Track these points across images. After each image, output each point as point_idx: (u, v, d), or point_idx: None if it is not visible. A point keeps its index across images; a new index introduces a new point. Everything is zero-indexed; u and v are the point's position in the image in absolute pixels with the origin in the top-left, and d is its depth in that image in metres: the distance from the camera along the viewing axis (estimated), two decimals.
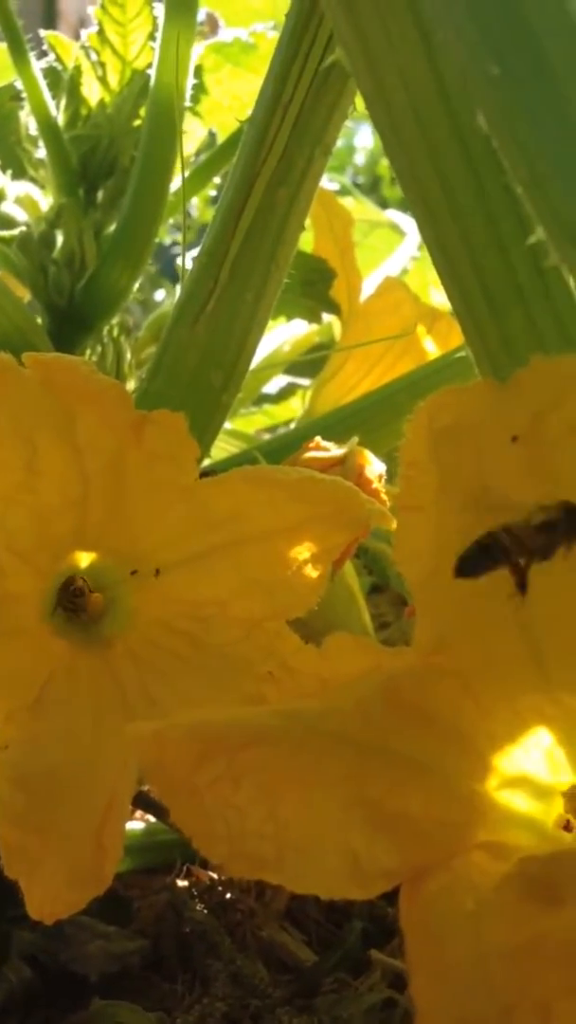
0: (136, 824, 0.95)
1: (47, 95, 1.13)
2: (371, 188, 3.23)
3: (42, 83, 1.13)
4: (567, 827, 0.56)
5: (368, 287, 1.42)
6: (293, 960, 0.85)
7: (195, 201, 1.84)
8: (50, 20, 4.08)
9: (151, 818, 0.95)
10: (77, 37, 1.19)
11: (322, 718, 0.51)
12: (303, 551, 0.69)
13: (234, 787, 0.49)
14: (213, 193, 1.51)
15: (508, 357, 0.55)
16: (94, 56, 1.15)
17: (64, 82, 1.17)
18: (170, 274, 2.35)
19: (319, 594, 0.70)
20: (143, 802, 0.89)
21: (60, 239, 1.09)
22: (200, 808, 0.48)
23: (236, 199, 0.76)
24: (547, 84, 0.44)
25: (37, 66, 1.12)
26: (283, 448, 0.96)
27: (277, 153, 0.74)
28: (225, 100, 1.24)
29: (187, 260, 0.85)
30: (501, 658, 0.52)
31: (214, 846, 0.48)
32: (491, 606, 0.51)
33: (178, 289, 0.89)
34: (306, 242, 1.31)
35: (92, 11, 1.15)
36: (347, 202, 1.66)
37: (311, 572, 0.69)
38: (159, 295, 2.77)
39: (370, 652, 0.55)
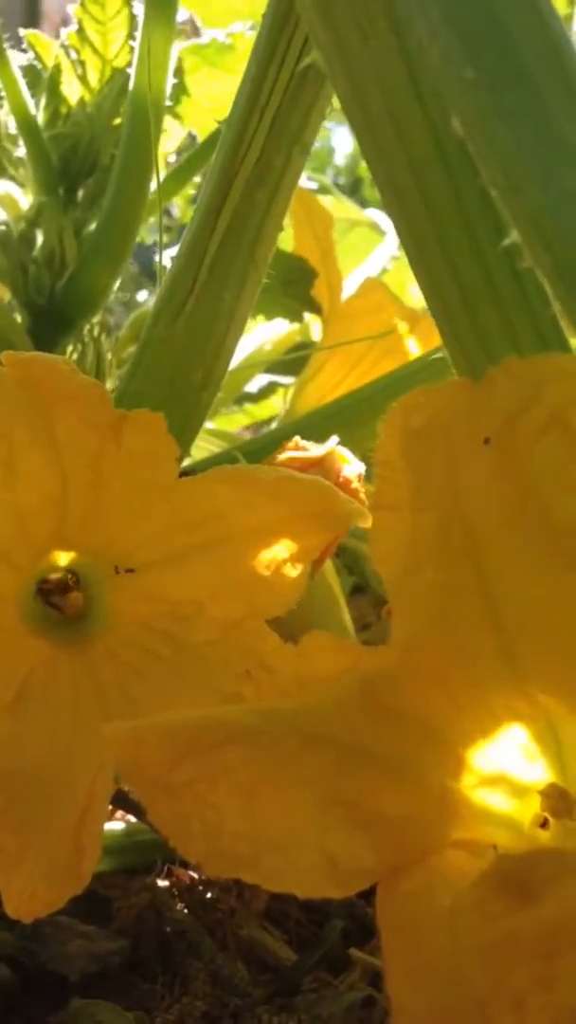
0: (116, 824, 0.95)
1: (27, 94, 1.13)
2: (352, 189, 3.24)
3: (21, 82, 1.12)
4: (544, 825, 0.56)
5: (349, 286, 1.42)
6: (273, 959, 0.86)
7: (176, 201, 1.84)
8: (33, 20, 4.07)
9: (132, 818, 0.95)
10: (59, 36, 1.19)
11: (299, 717, 0.51)
12: (282, 551, 0.69)
13: (211, 786, 0.49)
14: (194, 192, 1.51)
15: (484, 357, 0.55)
16: (74, 55, 1.15)
17: (44, 81, 1.17)
18: (149, 273, 2.34)
19: (298, 594, 0.70)
20: (123, 802, 0.89)
21: (40, 238, 1.09)
22: (177, 807, 0.48)
23: (214, 199, 0.77)
24: (521, 88, 0.44)
25: (17, 64, 1.12)
26: (264, 448, 0.96)
27: (255, 153, 0.74)
28: (205, 101, 1.24)
29: (165, 259, 0.86)
30: (476, 657, 0.53)
31: (191, 845, 0.48)
32: (464, 604, 0.51)
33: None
34: (286, 241, 1.32)
35: (72, 10, 1.15)
36: (326, 201, 1.67)
37: (290, 572, 0.70)
38: (141, 295, 2.77)
39: (347, 651, 0.56)
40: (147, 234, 1.56)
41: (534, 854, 0.49)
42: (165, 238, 0.93)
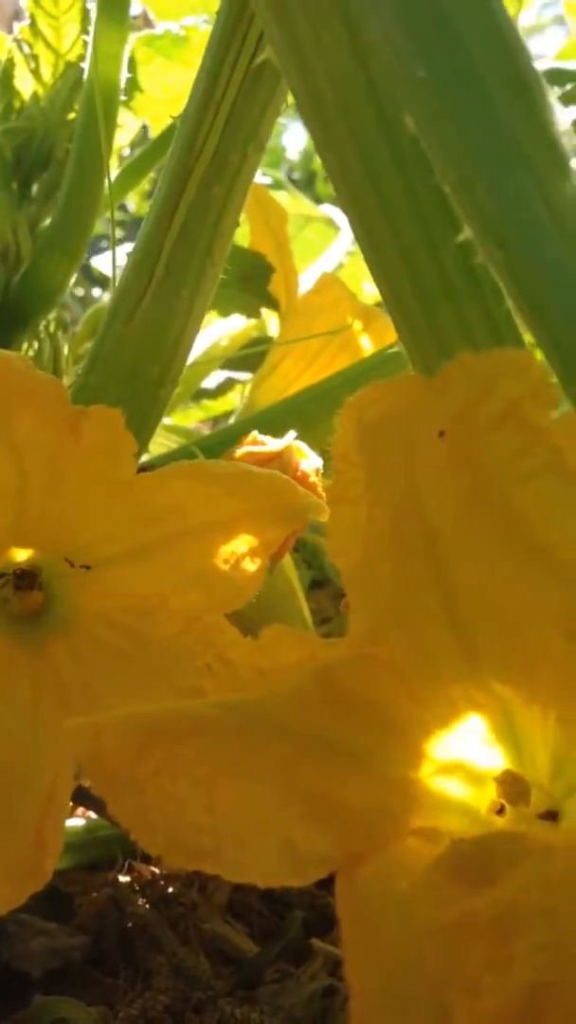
0: (77, 821, 0.95)
1: None
2: (306, 184, 3.24)
3: None
4: (500, 812, 0.57)
5: (305, 282, 1.42)
6: (235, 952, 0.86)
7: (131, 197, 1.83)
8: None
9: (92, 815, 0.95)
10: (11, 30, 1.18)
11: (258, 709, 0.52)
12: (241, 544, 0.70)
13: (172, 779, 0.49)
14: (149, 187, 1.50)
15: (438, 352, 0.56)
16: (27, 49, 1.14)
17: None
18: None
19: (257, 587, 0.71)
20: (84, 798, 0.89)
21: None
22: (138, 800, 0.48)
23: (170, 195, 0.77)
24: (472, 87, 0.45)
25: None
26: (222, 443, 0.96)
27: (210, 150, 0.74)
28: (158, 93, 1.24)
29: (117, 255, 0.85)
30: (432, 647, 0.54)
31: (152, 838, 0.49)
32: (420, 596, 0.52)
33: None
34: (242, 237, 1.32)
35: (24, 4, 1.14)
36: (281, 197, 1.67)
37: (249, 565, 0.70)
38: (96, 291, 2.75)
39: (306, 644, 0.56)
40: (103, 228, 1.56)
41: (489, 838, 0.50)
42: (121, 233, 0.93)
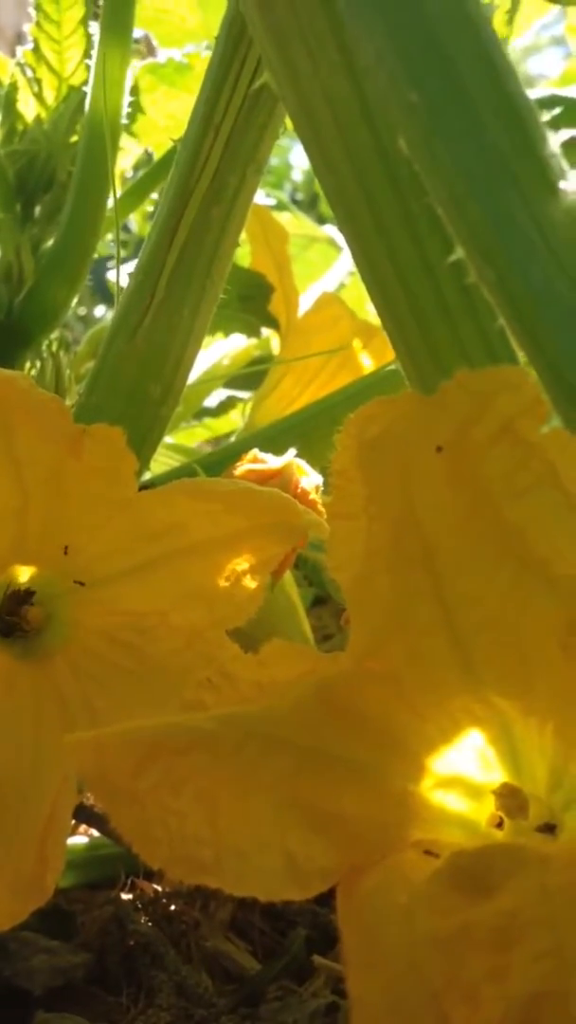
0: (80, 839, 0.95)
1: None
2: (310, 205, 3.27)
3: None
4: (499, 825, 0.57)
5: (306, 302, 1.44)
6: (238, 969, 0.86)
7: (133, 217, 1.85)
8: None
9: (95, 832, 0.95)
10: (14, 53, 1.20)
11: (259, 722, 0.52)
12: (242, 562, 0.70)
13: (173, 792, 0.50)
14: (151, 209, 1.52)
15: (435, 369, 0.57)
16: (30, 72, 1.16)
17: (0, 98, 1.18)
18: (105, 289, 2.34)
19: (258, 604, 0.71)
20: (86, 816, 0.89)
21: None
22: (140, 814, 0.49)
23: (170, 217, 0.78)
24: (463, 111, 0.46)
25: None
26: (223, 461, 0.97)
27: (210, 172, 0.75)
28: (161, 120, 1.26)
29: (122, 276, 0.86)
30: (431, 661, 0.54)
31: (154, 851, 0.49)
32: (419, 610, 0.53)
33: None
34: (244, 257, 1.33)
35: (28, 28, 1.16)
36: (284, 217, 1.69)
37: (250, 583, 0.70)
38: (99, 310, 2.77)
39: (307, 658, 0.57)
40: (105, 249, 1.57)
41: (487, 850, 0.50)
42: (123, 253, 0.94)
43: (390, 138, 0.52)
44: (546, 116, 0.49)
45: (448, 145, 0.45)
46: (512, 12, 0.92)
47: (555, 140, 0.47)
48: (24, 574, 0.74)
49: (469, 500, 0.51)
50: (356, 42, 0.48)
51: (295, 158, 3.32)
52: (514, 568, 0.52)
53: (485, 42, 0.47)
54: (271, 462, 0.85)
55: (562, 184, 0.45)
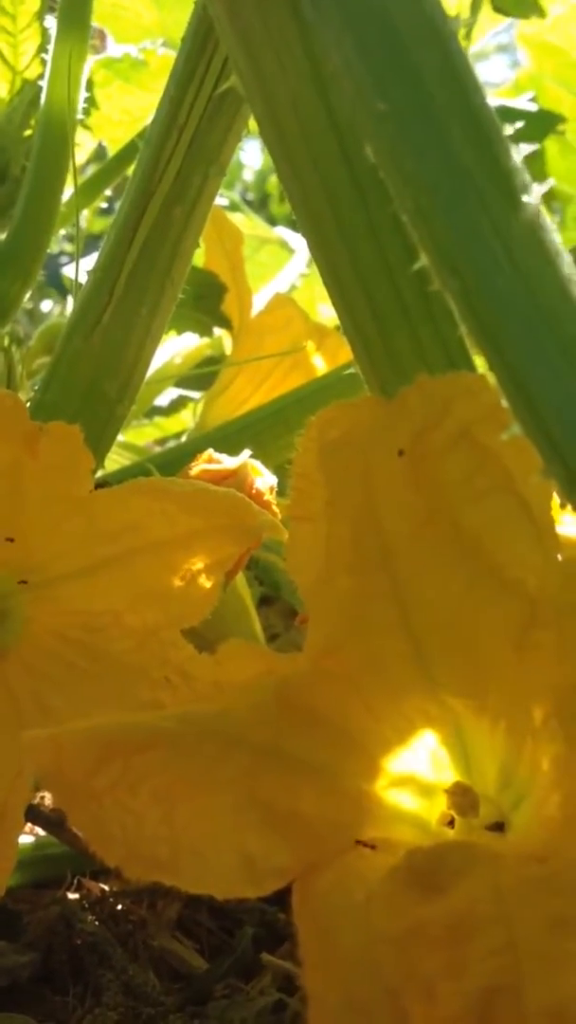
0: (26, 838, 0.95)
1: None
2: (260, 205, 3.27)
3: None
4: (450, 823, 0.59)
5: (258, 302, 1.44)
6: (185, 968, 0.86)
7: (85, 212, 1.83)
8: None
9: (40, 831, 0.94)
10: None
11: (216, 720, 0.53)
12: (196, 562, 0.70)
13: (131, 791, 0.50)
14: (104, 205, 1.51)
15: (395, 375, 0.58)
16: None
17: None
18: (56, 283, 2.33)
19: (212, 604, 0.71)
20: (33, 816, 0.88)
21: None
22: (97, 812, 0.49)
23: (132, 215, 0.77)
24: (430, 121, 0.46)
25: None
26: (176, 460, 0.97)
27: (172, 172, 0.75)
28: (115, 114, 1.25)
29: (80, 272, 0.86)
30: (387, 661, 0.55)
31: (111, 849, 0.49)
32: (376, 611, 0.54)
33: (69, 300, 0.89)
34: (197, 257, 1.33)
35: None
36: (237, 218, 1.69)
37: (204, 582, 0.71)
38: (46, 305, 2.74)
39: (263, 658, 0.57)
40: (53, 244, 1.56)
41: (440, 848, 0.51)
42: (70, 247, 0.93)
43: (355, 145, 0.53)
44: (508, 129, 0.50)
45: (414, 156, 0.45)
46: (471, 25, 0.94)
47: (517, 153, 0.48)
48: None
49: (428, 503, 0.52)
50: (324, 50, 0.49)
51: (246, 157, 3.32)
52: (471, 570, 0.53)
53: (451, 54, 0.47)
54: (226, 462, 0.85)
55: (524, 197, 0.46)
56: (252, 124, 0.77)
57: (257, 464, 0.86)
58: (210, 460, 0.86)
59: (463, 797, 0.57)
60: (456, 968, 0.44)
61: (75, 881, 0.90)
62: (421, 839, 0.57)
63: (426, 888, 0.47)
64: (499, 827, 0.57)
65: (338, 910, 0.48)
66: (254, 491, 0.84)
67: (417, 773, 0.59)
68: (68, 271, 1.50)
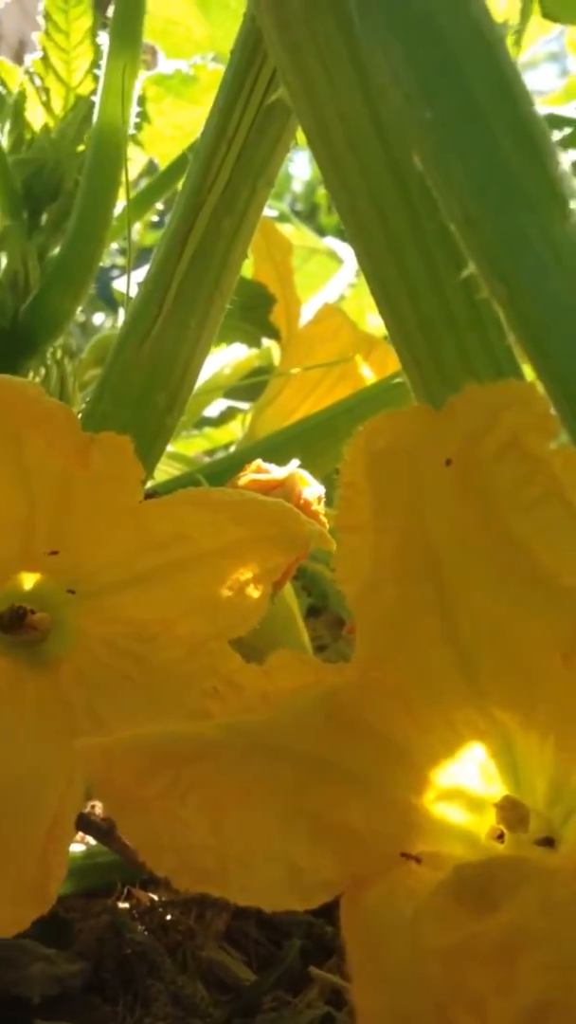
0: (77, 847, 0.95)
1: None
2: (309, 216, 3.28)
3: None
4: (500, 838, 0.58)
5: (307, 313, 1.45)
6: (233, 980, 0.86)
7: (136, 225, 1.86)
8: None
9: (91, 840, 0.95)
10: (18, 60, 1.21)
11: (264, 732, 0.53)
12: (245, 572, 0.70)
13: (180, 800, 0.50)
14: (155, 218, 1.53)
15: (442, 384, 0.57)
16: (38, 81, 1.17)
17: (8, 107, 1.18)
18: (105, 297, 2.36)
19: (260, 614, 0.71)
20: (84, 824, 0.89)
21: (4, 261, 1.10)
22: (147, 821, 0.49)
23: (181, 227, 0.78)
24: (476, 128, 0.46)
25: None
26: (225, 471, 0.97)
27: (221, 184, 0.76)
28: (167, 130, 1.26)
29: (131, 285, 0.87)
30: (436, 673, 0.54)
31: (161, 859, 0.49)
32: (424, 622, 0.53)
33: (120, 313, 0.90)
34: (246, 268, 1.34)
35: (35, 36, 1.17)
36: (286, 229, 1.69)
37: (252, 592, 0.71)
38: (98, 318, 2.77)
39: (311, 668, 0.57)
40: (105, 258, 1.58)
41: (491, 863, 0.50)
42: (122, 260, 0.94)
43: (403, 154, 0.52)
44: (556, 135, 0.49)
45: (462, 163, 0.45)
46: (520, 32, 0.93)
47: (566, 159, 0.47)
48: (29, 581, 0.74)
49: (476, 513, 0.52)
50: (371, 60, 0.49)
51: (295, 168, 3.34)
52: (520, 581, 0.52)
53: (499, 62, 0.47)
54: (274, 472, 0.85)
55: (573, 203, 0.46)
56: (300, 136, 0.77)
57: (305, 474, 0.86)
58: (258, 470, 0.86)
59: (513, 811, 0.56)
60: (507, 984, 0.43)
61: (125, 890, 0.90)
62: (470, 854, 0.56)
63: (476, 903, 0.47)
64: (549, 842, 0.57)
65: (387, 925, 0.48)
66: (302, 501, 0.84)
67: (466, 786, 0.58)
68: (119, 284, 1.52)
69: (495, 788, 0.59)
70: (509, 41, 0.93)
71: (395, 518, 0.52)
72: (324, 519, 0.85)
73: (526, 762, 0.58)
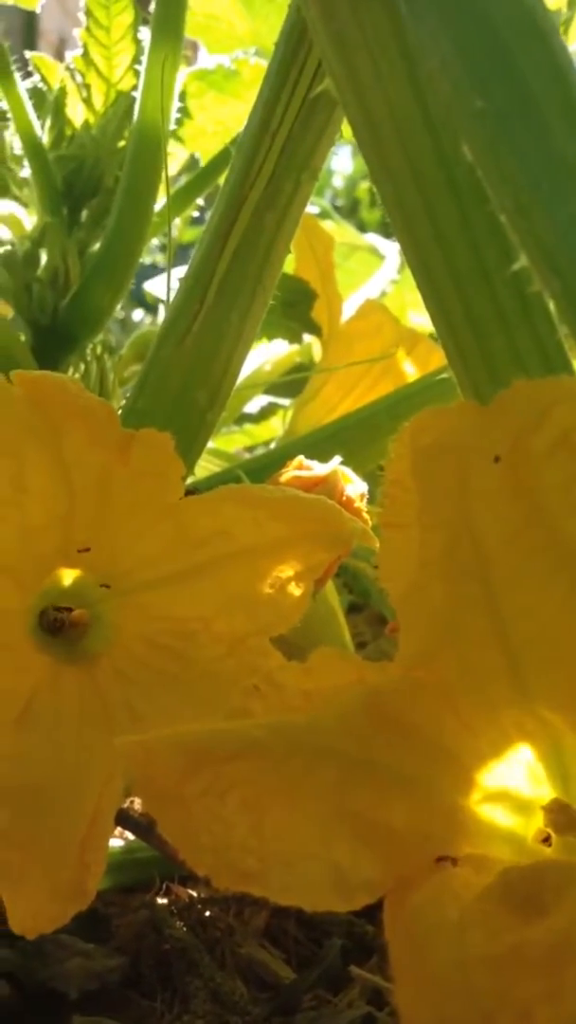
0: (116, 842, 0.95)
1: (32, 115, 1.15)
2: (350, 211, 3.27)
3: (27, 103, 1.14)
4: (547, 841, 0.57)
5: (348, 309, 1.44)
6: (272, 977, 0.86)
7: (176, 221, 1.86)
8: (30, 39, 4.11)
9: (130, 835, 0.95)
10: (58, 56, 1.21)
11: (306, 731, 0.52)
12: (286, 569, 0.70)
13: (220, 800, 0.49)
14: (196, 214, 1.53)
15: (490, 380, 0.56)
16: (79, 78, 1.17)
17: (49, 103, 1.19)
18: (139, 295, 2.36)
19: (301, 612, 0.71)
20: (123, 820, 0.89)
21: (44, 258, 1.10)
22: (187, 820, 0.49)
23: (223, 222, 0.78)
24: (530, 117, 0.45)
25: (22, 86, 1.14)
26: (265, 467, 0.97)
27: (265, 178, 0.75)
28: (209, 126, 1.26)
29: (171, 281, 0.86)
30: (482, 673, 0.53)
31: (200, 858, 0.49)
32: (471, 621, 0.52)
33: (160, 309, 0.90)
34: (287, 263, 1.33)
35: (76, 32, 1.17)
36: (327, 225, 1.69)
37: (294, 590, 0.70)
38: (137, 315, 2.78)
39: (353, 666, 0.56)
40: (145, 254, 1.58)
41: (539, 867, 0.49)
42: (161, 257, 0.94)
43: (451, 145, 0.52)
44: None
45: (514, 152, 0.44)
46: (568, 21, 0.91)
47: None
48: (68, 577, 0.74)
49: (525, 511, 0.51)
50: (419, 49, 0.48)
51: (336, 163, 3.33)
52: (569, 580, 0.51)
53: (552, 49, 0.46)
54: (316, 469, 0.85)
55: None
56: (345, 128, 0.77)
57: (347, 471, 0.86)
58: (300, 467, 0.85)
59: (561, 814, 0.55)
60: (555, 992, 0.42)
61: (163, 886, 0.90)
62: (517, 857, 0.55)
63: (523, 908, 0.46)
64: None
65: (431, 928, 0.47)
66: (344, 498, 0.83)
67: (513, 788, 0.57)
68: (151, 286, 1.52)
69: (543, 790, 0.58)
70: (562, 30, 0.91)
71: (442, 515, 0.51)
72: (366, 516, 0.84)
73: (575, 764, 0.57)
